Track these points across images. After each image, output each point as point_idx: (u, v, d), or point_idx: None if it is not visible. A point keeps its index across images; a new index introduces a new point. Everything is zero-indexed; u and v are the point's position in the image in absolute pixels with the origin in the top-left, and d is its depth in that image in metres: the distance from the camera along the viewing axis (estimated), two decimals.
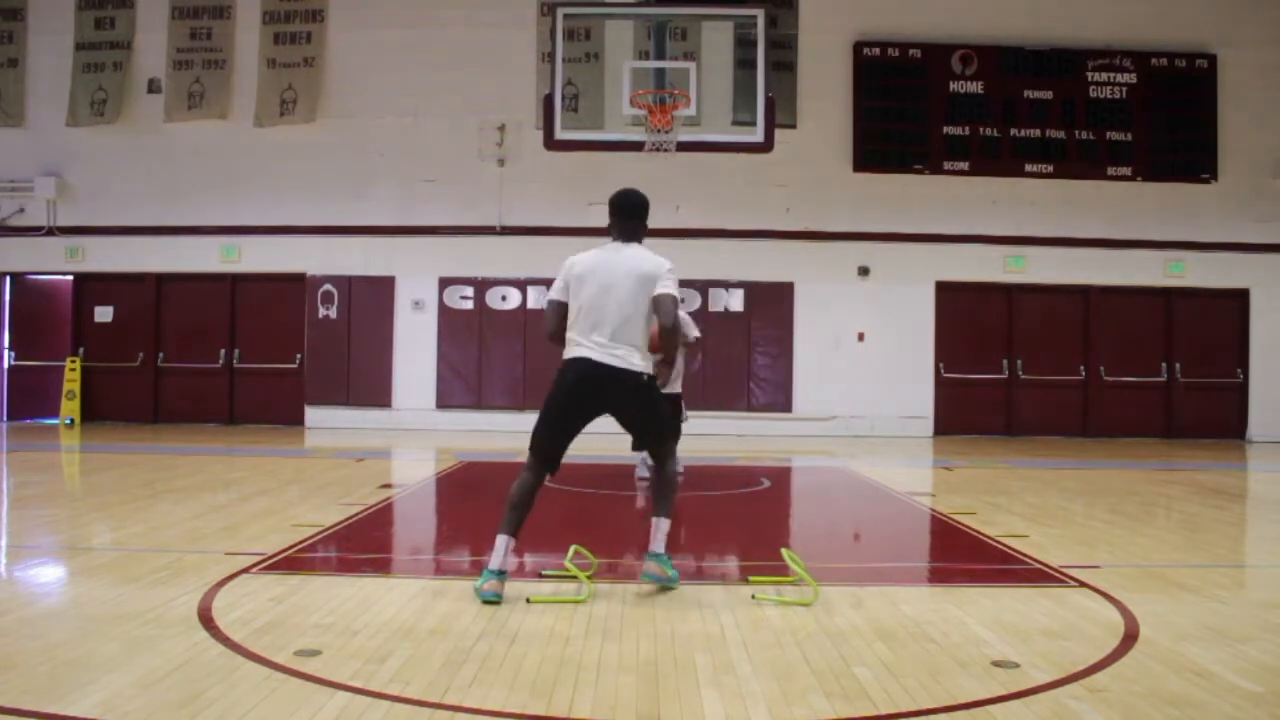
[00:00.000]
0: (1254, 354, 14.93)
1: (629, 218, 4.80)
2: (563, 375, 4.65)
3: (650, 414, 4.72)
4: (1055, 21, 14.64)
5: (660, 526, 4.68)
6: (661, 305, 4.56)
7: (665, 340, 4.64)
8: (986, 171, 14.56)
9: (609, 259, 4.66)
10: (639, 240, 4.79)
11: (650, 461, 4.97)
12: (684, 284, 4.74)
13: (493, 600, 4.37)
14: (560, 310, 4.71)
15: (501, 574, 4.46)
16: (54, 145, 14.85)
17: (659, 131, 9.99)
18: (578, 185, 14.24)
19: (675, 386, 9.07)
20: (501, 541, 4.53)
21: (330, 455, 10.91)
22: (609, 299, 4.56)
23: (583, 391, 4.59)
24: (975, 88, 14.61)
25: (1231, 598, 4.77)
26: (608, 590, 4.61)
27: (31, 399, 15.22)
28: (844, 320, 14.70)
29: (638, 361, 4.57)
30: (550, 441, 4.70)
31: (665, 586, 4.64)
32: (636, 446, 5.06)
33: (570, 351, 4.63)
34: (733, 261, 14.26)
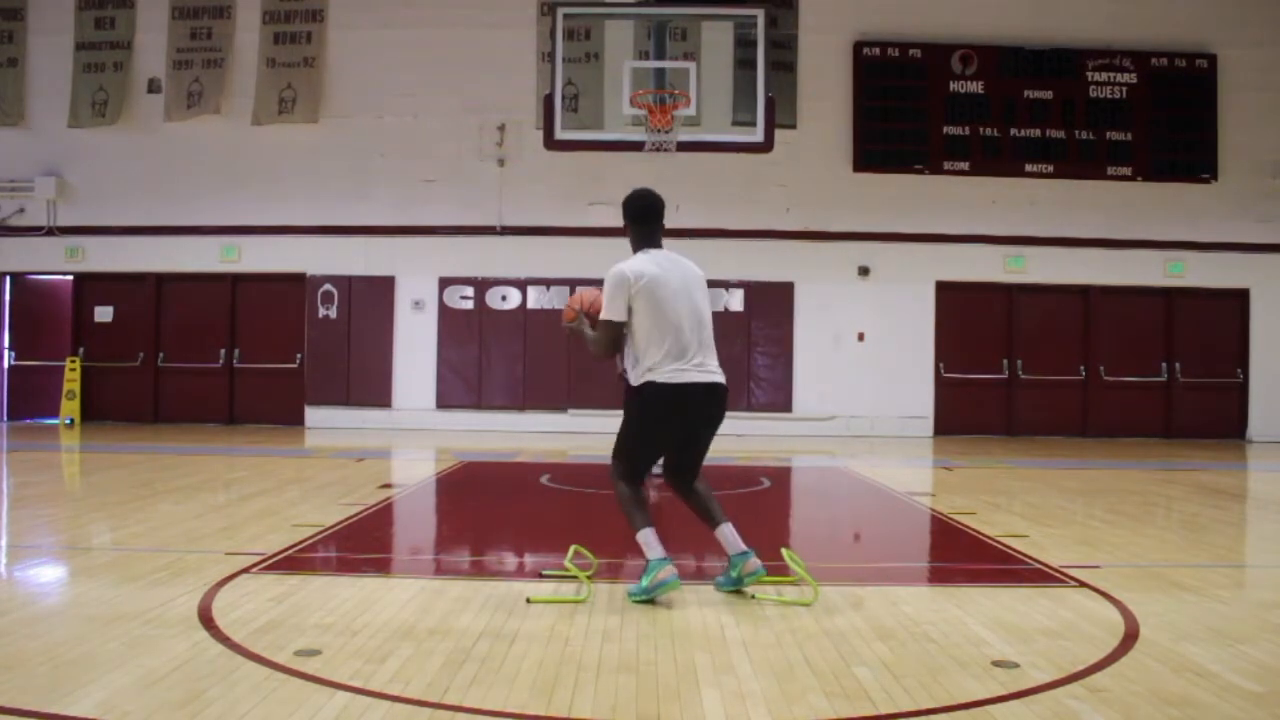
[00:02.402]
0: (1254, 354, 14.93)
1: (651, 221, 4.67)
2: (663, 408, 4.44)
3: (717, 428, 4.65)
4: (1055, 21, 14.64)
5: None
6: None
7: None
8: (986, 171, 14.55)
9: (677, 273, 4.52)
10: (660, 243, 4.66)
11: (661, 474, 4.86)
12: None
13: (676, 585, 4.37)
14: (619, 332, 4.50)
15: (669, 558, 4.39)
16: (54, 145, 14.85)
17: (659, 131, 9.99)
18: (578, 185, 14.24)
19: None
20: (652, 533, 4.42)
21: (330, 455, 10.91)
22: (697, 317, 4.49)
23: (695, 416, 4.50)
24: (975, 88, 14.61)
25: (1231, 598, 4.77)
26: (608, 590, 4.61)
27: (31, 399, 15.22)
28: (844, 320, 14.69)
29: (720, 374, 4.56)
30: (652, 461, 4.68)
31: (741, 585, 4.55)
32: (683, 465, 4.65)
33: (673, 376, 4.40)
34: (733, 261, 14.26)
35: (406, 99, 14.57)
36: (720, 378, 4.53)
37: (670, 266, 4.53)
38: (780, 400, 14.67)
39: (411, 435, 13.79)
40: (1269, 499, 9.10)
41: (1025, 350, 14.95)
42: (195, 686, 3.19)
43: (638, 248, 4.64)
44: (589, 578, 4.66)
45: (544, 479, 9.10)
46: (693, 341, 4.46)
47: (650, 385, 4.44)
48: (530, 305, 14.70)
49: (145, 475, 8.88)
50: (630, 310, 4.46)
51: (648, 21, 10.47)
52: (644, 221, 4.67)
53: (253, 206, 14.68)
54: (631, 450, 4.59)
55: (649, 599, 4.39)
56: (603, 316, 4.52)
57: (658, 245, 4.65)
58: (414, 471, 10.10)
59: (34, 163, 14.84)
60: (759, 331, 14.68)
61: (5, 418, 15.22)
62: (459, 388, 14.75)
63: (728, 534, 4.55)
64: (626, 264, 4.53)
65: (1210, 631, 4.02)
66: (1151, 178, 14.58)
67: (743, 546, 4.53)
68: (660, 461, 4.77)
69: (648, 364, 4.45)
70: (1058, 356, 14.92)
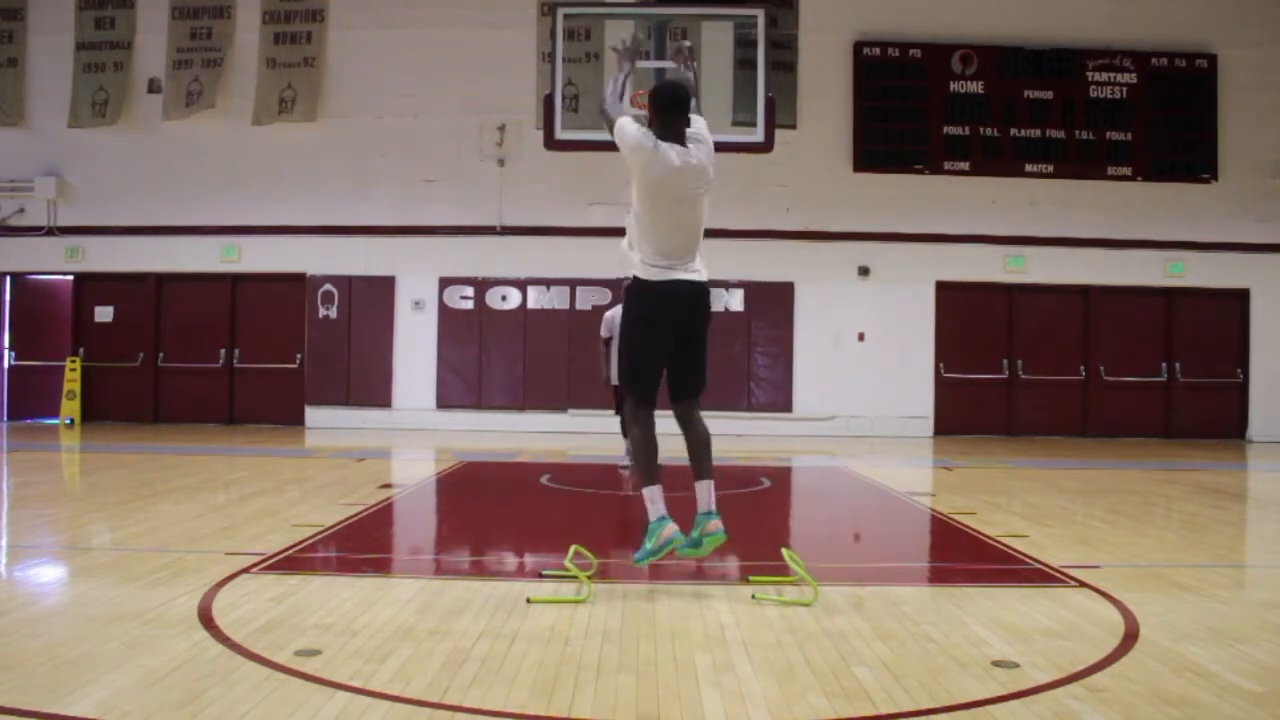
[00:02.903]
0: (1254, 354, 14.93)
1: (679, 113, 4.61)
2: (656, 304, 4.57)
3: (706, 333, 4.72)
4: (1055, 21, 14.64)
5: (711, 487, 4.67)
6: None
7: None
8: (986, 171, 14.55)
9: (691, 180, 4.56)
10: (685, 135, 4.63)
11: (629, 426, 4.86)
12: None
13: (680, 539, 4.50)
14: (609, 128, 4.67)
15: (669, 517, 4.52)
16: (54, 145, 14.85)
17: None
18: (578, 185, 14.23)
19: None
20: (657, 491, 4.57)
21: (330, 455, 10.91)
22: (696, 220, 4.60)
23: (685, 314, 4.60)
24: (975, 88, 14.61)
25: (1231, 598, 4.77)
26: (608, 590, 4.60)
27: (31, 399, 15.22)
28: (844, 320, 14.69)
29: (707, 273, 4.67)
30: (657, 374, 4.67)
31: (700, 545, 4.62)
32: (682, 382, 4.71)
33: (662, 274, 4.55)
34: (733, 261, 14.23)
35: (406, 99, 14.57)
36: (704, 278, 4.65)
37: (688, 172, 4.56)
38: (780, 400, 14.67)
39: (411, 435, 13.79)
40: (1269, 499, 9.10)
41: (1025, 350, 14.95)
42: (195, 686, 3.19)
43: (661, 138, 4.60)
44: (589, 578, 4.65)
45: (544, 479, 9.09)
46: (685, 245, 4.60)
47: (638, 282, 4.61)
48: (530, 305, 14.71)
49: (145, 475, 8.88)
50: (634, 189, 4.59)
51: (648, 21, 10.45)
52: (671, 113, 4.62)
53: (253, 206, 14.68)
54: (632, 363, 4.69)
55: (655, 558, 4.53)
56: (616, 132, 4.62)
57: (681, 138, 4.62)
58: (414, 471, 10.10)
59: (34, 163, 14.84)
60: (759, 331, 14.68)
61: (5, 418, 15.22)
62: (459, 388, 14.75)
63: (704, 490, 4.65)
64: (662, 144, 4.54)
65: (1210, 631, 4.02)
66: (1151, 178, 14.58)
67: (711, 507, 4.62)
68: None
69: (639, 258, 4.60)
70: (1058, 356, 14.92)
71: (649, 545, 4.52)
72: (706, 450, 4.69)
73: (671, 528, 4.48)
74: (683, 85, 4.78)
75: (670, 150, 4.55)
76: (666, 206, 4.55)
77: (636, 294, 4.62)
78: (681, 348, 4.65)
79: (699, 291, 4.62)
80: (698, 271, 4.63)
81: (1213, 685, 3.35)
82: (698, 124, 4.73)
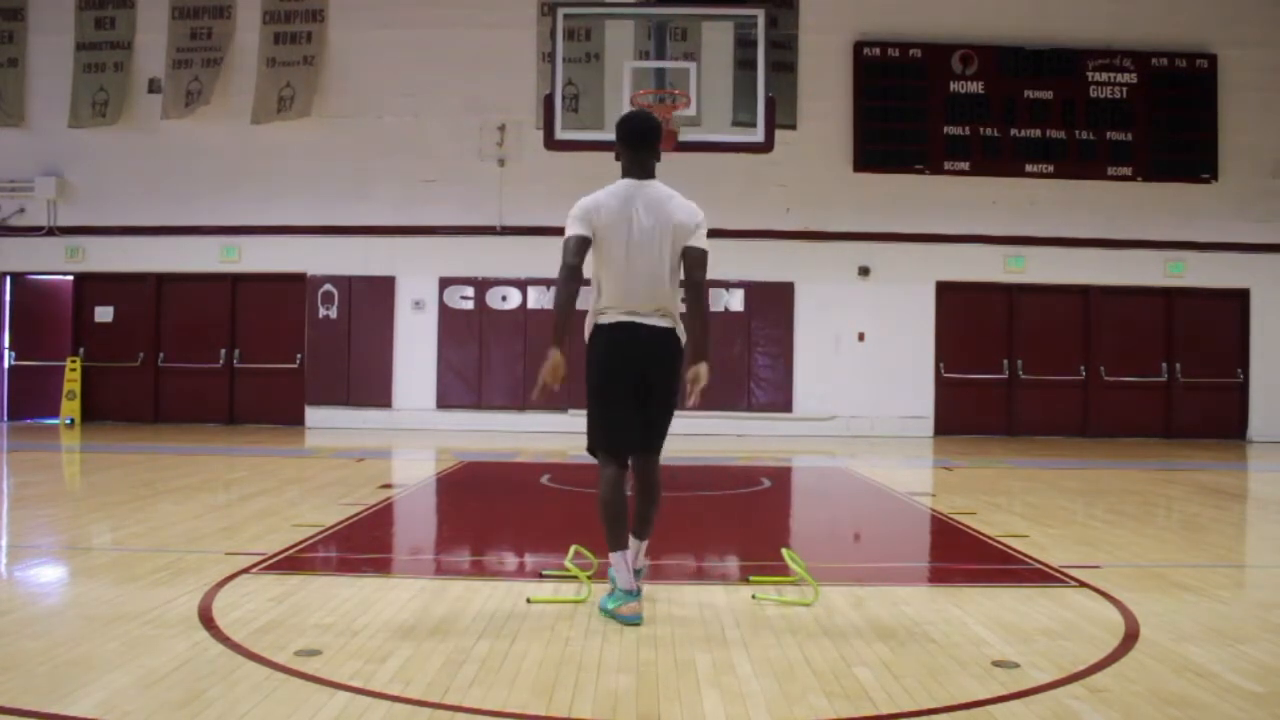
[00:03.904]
0: (1254, 354, 14.93)
1: (641, 145, 4.28)
2: (604, 347, 4.23)
3: (674, 388, 4.29)
4: (1055, 21, 14.64)
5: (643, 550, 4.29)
6: (691, 257, 4.18)
7: (692, 300, 4.23)
8: (986, 171, 14.55)
9: (641, 211, 4.16)
10: (653, 171, 4.29)
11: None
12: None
13: (637, 623, 4.01)
14: (584, 245, 4.15)
15: (638, 593, 4.10)
16: (54, 145, 14.85)
17: None
18: (578, 185, 14.11)
19: None
20: (621, 558, 4.15)
21: (330, 455, 10.91)
22: (653, 270, 4.15)
23: (627, 354, 4.19)
24: (975, 88, 14.61)
25: (1231, 598, 4.77)
26: (608, 590, 4.60)
27: (31, 399, 15.22)
28: (844, 320, 14.69)
29: (672, 323, 4.26)
30: (622, 425, 4.22)
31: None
32: (644, 438, 4.28)
33: (604, 318, 4.23)
34: (733, 261, 14.21)
35: (406, 99, 14.57)
36: (664, 324, 4.24)
37: (644, 212, 4.17)
38: (780, 400, 14.67)
39: (411, 435, 13.79)
40: (1269, 499, 9.10)
41: (1025, 350, 14.95)
42: (195, 686, 3.19)
43: (625, 174, 4.33)
44: (589, 578, 4.65)
45: (544, 479, 9.10)
46: (643, 295, 4.20)
47: (592, 330, 4.30)
48: (530, 305, 14.71)
49: (145, 475, 8.88)
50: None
51: (648, 21, 10.46)
52: (633, 146, 4.29)
53: (253, 206, 14.68)
54: (594, 419, 4.32)
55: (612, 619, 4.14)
56: (565, 234, 4.22)
57: (647, 173, 4.28)
58: (414, 471, 10.10)
59: (34, 163, 14.84)
60: (759, 331, 14.68)
61: (5, 418, 15.21)
62: (459, 388, 14.75)
63: (630, 557, 4.21)
64: (592, 197, 4.25)
65: (1210, 631, 4.02)
66: (1151, 178, 14.58)
67: (634, 585, 4.12)
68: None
69: (593, 310, 4.30)
70: (1058, 356, 14.92)
71: (610, 606, 4.11)
72: (654, 506, 4.30)
73: (633, 607, 4.03)
74: (650, 116, 4.47)
75: (620, 196, 4.20)
76: (618, 252, 4.15)
77: (591, 339, 4.28)
78: (640, 401, 4.22)
79: (660, 337, 4.20)
80: (659, 320, 4.21)
81: (1213, 685, 3.35)
82: (683, 203, 4.28)
